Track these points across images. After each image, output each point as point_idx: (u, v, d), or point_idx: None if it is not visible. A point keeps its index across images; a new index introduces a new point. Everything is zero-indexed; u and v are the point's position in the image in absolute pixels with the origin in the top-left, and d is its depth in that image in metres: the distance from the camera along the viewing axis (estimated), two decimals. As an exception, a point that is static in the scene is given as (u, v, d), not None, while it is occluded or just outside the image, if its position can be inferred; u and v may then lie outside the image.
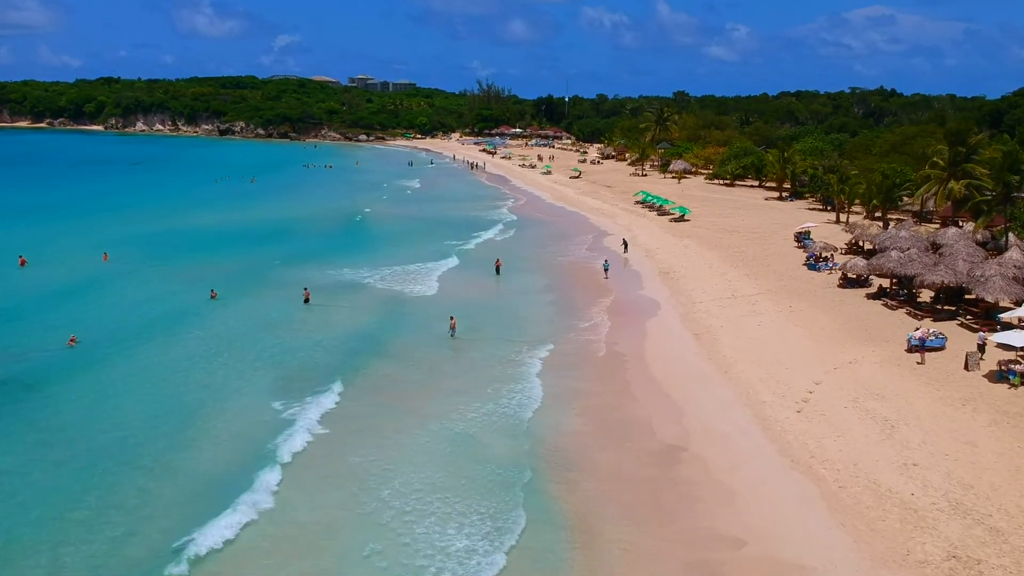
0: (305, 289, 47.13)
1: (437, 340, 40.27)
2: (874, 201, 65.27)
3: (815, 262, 52.30)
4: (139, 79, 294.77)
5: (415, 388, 33.55)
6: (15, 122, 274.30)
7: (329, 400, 31.51)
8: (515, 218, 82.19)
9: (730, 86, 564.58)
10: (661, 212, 80.00)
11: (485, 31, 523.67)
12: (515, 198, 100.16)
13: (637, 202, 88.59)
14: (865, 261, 46.48)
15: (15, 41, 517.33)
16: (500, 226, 77.33)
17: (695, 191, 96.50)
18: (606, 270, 54.58)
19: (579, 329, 42.12)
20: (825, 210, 79.16)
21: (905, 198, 68.99)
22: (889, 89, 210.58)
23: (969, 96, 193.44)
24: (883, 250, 49.24)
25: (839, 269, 48.53)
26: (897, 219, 67.79)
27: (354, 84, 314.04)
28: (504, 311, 45.79)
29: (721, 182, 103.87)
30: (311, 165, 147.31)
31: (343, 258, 60.21)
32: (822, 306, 43.67)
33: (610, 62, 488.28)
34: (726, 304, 45.41)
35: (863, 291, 46.20)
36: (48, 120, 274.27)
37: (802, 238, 60.77)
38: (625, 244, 63.03)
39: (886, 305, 43.16)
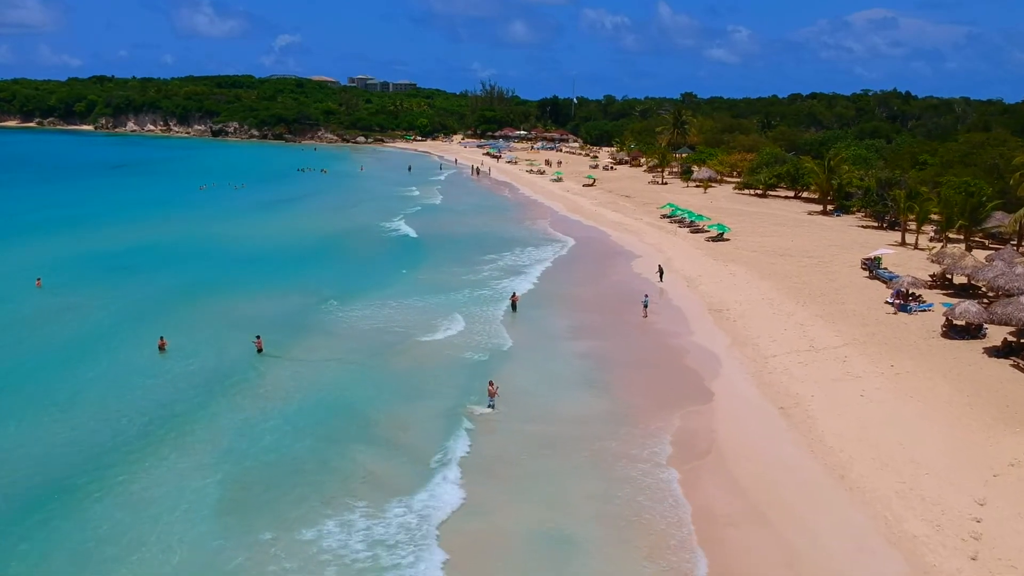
0: (257, 337, 37.82)
1: (447, 417, 30.77)
2: (960, 222, 55.79)
3: (904, 301, 42.87)
4: (133, 77, 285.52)
5: (413, 507, 24.13)
6: (4, 121, 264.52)
7: (287, 537, 22.04)
8: (574, 243, 69.05)
9: (731, 89, 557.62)
10: (694, 229, 70.58)
11: (486, 33, 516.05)
12: (544, 212, 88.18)
13: (664, 216, 79.19)
14: (979, 307, 37.07)
15: (15, 40, 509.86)
16: (552, 249, 65.86)
17: (725, 203, 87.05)
18: (645, 307, 45.17)
19: (624, 402, 32.68)
20: (880, 228, 69.88)
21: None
22: (904, 92, 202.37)
23: (984, 99, 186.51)
24: (995, 290, 40.06)
25: (944, 315, 38.99)
26: (977, 243, 58.60)
27: (354, 84, 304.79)
28: (527, 372, 36.20)
29: (752, 192, 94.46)
30: (306, 169, 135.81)
31: (330, 290, 50.74)
32: (933, 366, 34.27)
33: (611, 64, 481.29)
34: (807, 360, 36.02)
35: (978, 344, 36.78)
36: (37, 119, 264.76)
37: (872, 267, 51.41)
38: (661, 271, 53.56)
39: (1018, 367, 33.76)
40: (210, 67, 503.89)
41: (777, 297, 46.98)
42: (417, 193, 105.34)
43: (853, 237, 65.14)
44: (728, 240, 64.94)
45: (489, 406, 31.22)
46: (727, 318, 43.66)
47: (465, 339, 40.64)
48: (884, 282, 48.38)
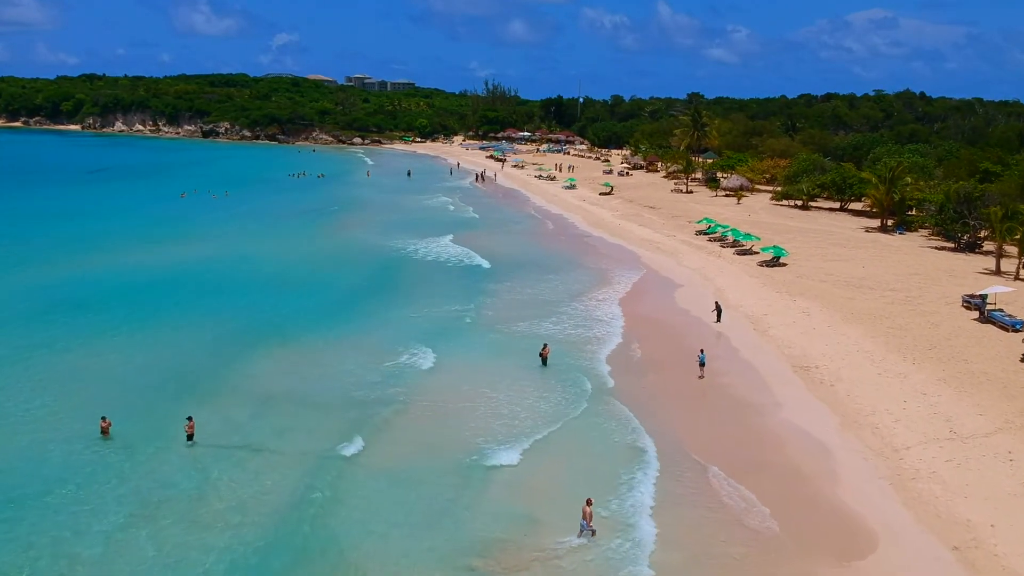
0: (189, 420, 28.31)
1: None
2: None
3: (1050, 361, 33.37)
4: (125, 76, 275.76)
5: None
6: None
7: None
8: (643, 272, 56.19)
9: (730, 88, 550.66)
10: (741, 250, 60.90)
11: (485, 32, 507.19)
12: (594, 235, 72.19)
13: (699, 232, 69.60)
14: None
15: (12, 38, 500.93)
16: (586, 276, 55.18)
17: (765, 216, 77.55)
18: (702, 365, 35.43)
19: (735, 543, 23.10)
20: (957, 248, 60.48)
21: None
22: (919, 92, 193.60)
23: (997, 100, 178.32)
24: None
25: None
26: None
27: (351, 83, 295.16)
28: (584, 479, 26.59)
29: (792, 204, 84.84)
30: (301, 174, 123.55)
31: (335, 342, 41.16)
32: None
33: (610, 64, 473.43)
34: (956, 455, 26.45)
35: None
36: (24, 119, 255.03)
37: (980, 305, 41.90)
38: (718, 310, 43.82)
39: None
40: (208, 66, 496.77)
41: (875, 349, 37.38)
42: (450, 204, 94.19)
43: (933, 263, 55.63)
44: (785, 265, 55.39)
45: (583, 533, 22.17)
46: (819, 380, 34.08)
47: (496, 415, 31.06)
48: (1004, 328, 38.91)
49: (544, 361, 36.66)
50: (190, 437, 27.86)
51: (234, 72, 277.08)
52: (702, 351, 35.92)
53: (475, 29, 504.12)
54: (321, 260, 60.26)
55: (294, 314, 44.37)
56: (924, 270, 53.12)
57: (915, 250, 60.59)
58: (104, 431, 28.24)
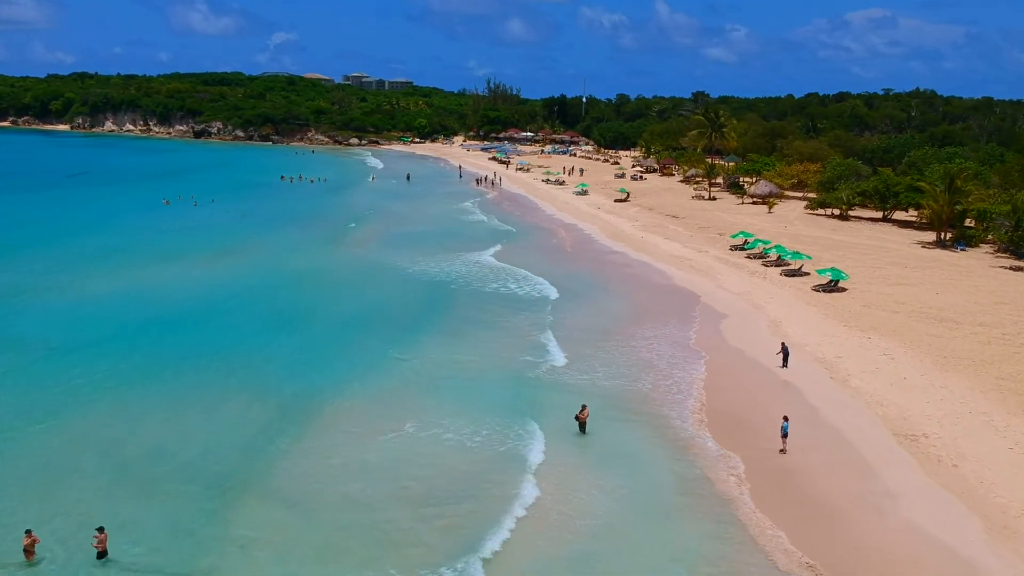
0: (99, 531, 21.01)
1: None
2: None
3: None
4: (117, 75, 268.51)
5: None
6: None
7: None
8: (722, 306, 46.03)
9: (729, 88, 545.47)
10: (788, 270, 53.56)
11: (483, 31, 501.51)
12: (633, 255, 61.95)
13: (735, 247, 62.27)
14: None
15: (8, 37, 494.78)
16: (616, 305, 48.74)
17: (803, 227, 70.27)
18: (784, 436, 28.10)
19: None
20: (1033, 269, 53.38)
21: None
22: (928, 91, 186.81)
23: (1009, 100, 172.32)
24: None
25: None
26: None
27: (348, 82, 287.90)
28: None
29: (828, 213, 77.54)
30: (295, 178, 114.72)
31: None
32: None
33: (608, 63, 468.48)
34: None
35: None
36: (12, 118, 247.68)
37: (1105, 349, 34.72)
38: (785, 353, 36.45)
39: None
40: (205, 64, 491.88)
41: (992, 409, 30.09)
42: (479, 214, 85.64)
43: (1016, 287, 48.36)
44: (845, 290, 48.10)
45: None
46: (936, 458, 26.74)
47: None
48: None
49: (582, 427, 29.39)
50: (101, 555, 20.65)
51: (230, 71, 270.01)
52: (785, 418, 28.50)
53: (474, 28, 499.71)
54: (342, 286, 51.36)
55: (318, 365, 35.47)
56: (1009, 297, 45.86)
57: (987, 271, 53.31)
58: (28, 551, 20.79)
